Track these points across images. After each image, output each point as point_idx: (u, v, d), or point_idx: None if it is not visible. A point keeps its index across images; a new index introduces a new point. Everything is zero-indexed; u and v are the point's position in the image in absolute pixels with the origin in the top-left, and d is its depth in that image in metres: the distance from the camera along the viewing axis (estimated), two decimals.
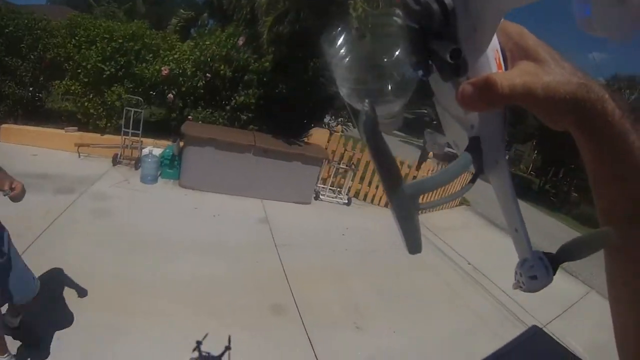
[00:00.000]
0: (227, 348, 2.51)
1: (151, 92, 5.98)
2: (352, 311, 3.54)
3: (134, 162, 5.32)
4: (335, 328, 3.25)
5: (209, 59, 5.34)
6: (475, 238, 6.57)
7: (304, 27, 5.31)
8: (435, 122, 0.43)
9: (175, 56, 5.67)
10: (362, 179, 6.46)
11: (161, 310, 2.74)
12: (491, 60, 0.30)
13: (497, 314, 4.34)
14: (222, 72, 5.23)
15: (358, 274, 4.20)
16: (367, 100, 0.28)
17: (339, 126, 6.03)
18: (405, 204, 0.30)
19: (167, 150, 5.13)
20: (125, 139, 5.38)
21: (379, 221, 5.54)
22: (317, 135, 5.99)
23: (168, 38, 6.28)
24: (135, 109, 5.33)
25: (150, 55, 5.93)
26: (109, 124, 5.80)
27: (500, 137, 0.35)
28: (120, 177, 4.97)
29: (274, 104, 5.20)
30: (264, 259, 3.85)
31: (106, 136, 5.64)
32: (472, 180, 0.36)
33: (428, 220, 6.37)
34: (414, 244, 0.33)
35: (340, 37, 0.29)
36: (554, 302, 4.91)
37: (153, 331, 2.51)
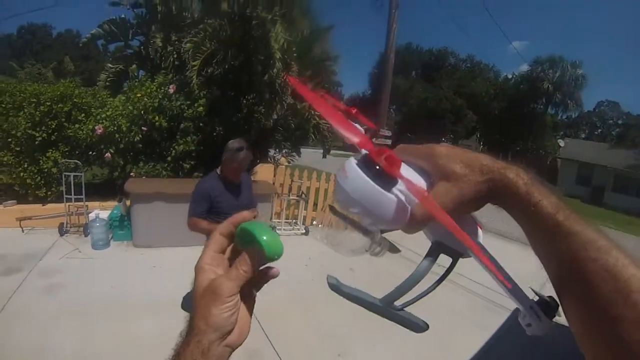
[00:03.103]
0: None
1: (90, 153, 5.83)
2: (331, 340, 3.52)
3: (82, 228, 5.15)
4: (316, 359, 3.21)
5: (142, 112, 5.29)
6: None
7: (232, 66, 5.39)
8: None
9: (108, 113, 5.57)
10: (315, 205, 6.48)
11: None
12: (410, 198, 0.40)
13: (476, 305, 4.39)
14: (157, 123, 5.19)
15: (328, 302, 4.05)
16: (332, 280, 0.49)
17: (283, 158, 6.08)
18: (386, 312, 0.45)
19: (115, 212, 5.01)
20: (69, 205, 5.20)
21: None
22: (263, 171, 5.99)
23: (98, 95, 6.15)
24: (75, 173, 5.18)
25: (82, 115, 5.80)
26: (49, 193, 5.61)
27: (454, 238, 0.40)
28: (69, 247, 4.78)
29: (214, 147, 5.21)
30: None
31: (48, 205, 5.44)
32: (448, 270, 0.47)
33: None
34: (414, 327, 0.46)
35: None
36: (531, 278, 5.09)
37: None
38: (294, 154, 6.03)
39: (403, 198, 0.40)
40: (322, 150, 6.49)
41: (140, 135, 5.27)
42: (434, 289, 0.47)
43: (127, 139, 5.32)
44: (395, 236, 0.51)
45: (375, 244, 0.48)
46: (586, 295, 0.34)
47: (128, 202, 4.92)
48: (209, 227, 2.64)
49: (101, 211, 5.04)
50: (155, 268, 4.42)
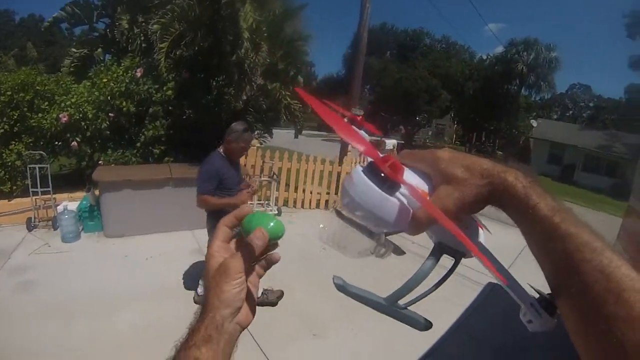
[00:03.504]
0: None
1: (55, 143, 5.58)
2: (306, 320, 3.54)
3: (50, 222, 4.96)
4: (293, 341, 3.23)
5: (108, 97, 5.07)
6: None
7: (201, 47, 5.22)
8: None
9: (73, 100, 5.32)
10: (287, 186, 6.47)
11: None
12: (412, 202, 0.42)
13: (451, 283, 4.43)
14: (124, 108, 4.99)
15: (303, 282, 4.20)
16: (339, 280, 0.49)
17: (255, 139, 6.02)
18: (390, 311, 0.47)
19: (84, 202, 4.84)
20: (35, 199, 4.98)
21: (312, 225, 5.56)
22: None
23: (62, 81, 5.86)
24: (40, 165, 4.96)
25: (46, 103, 5.52)
26: (14, 187, 5.34)
27: (456, 239, 0.42)
28: (39, 242, 4.59)
29: (184, 131, 5.07)
30: None
31: (15, 200, 5.18)
32: (451, 270, 0.49)
33: None
34: (417, 325, 0.49)
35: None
36: (502, 255, 5.19)
37: None
38: (266, 135, 5.94)
39: (405, 201, 0.42)
40: (294, 131, 6.46)
41: (107, 122, 5.07)
42: (437, 288, 0.50)
43: (93, 126, 5.11)
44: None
45: (380, 246, 0.51)
46: (580, 294, 0.35)
47: (97, 192, 4.76)
48: (218, 202, 2.95)
49: (70, 203, 4.87)
50: (127, 258, 4.33)
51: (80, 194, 5.02)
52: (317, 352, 3.16)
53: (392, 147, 8.07)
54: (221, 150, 3.02)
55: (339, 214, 0.52)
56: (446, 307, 3.84)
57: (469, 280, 4.51)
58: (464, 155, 0.44)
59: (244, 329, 0.51)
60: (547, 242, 0.38)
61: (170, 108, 5.08)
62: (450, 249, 0.46)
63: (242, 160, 5.96)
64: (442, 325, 3.51)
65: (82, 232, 4.75)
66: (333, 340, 3.31)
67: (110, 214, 4.63)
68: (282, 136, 5.48)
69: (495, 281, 0.42)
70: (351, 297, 0.50)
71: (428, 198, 0.43)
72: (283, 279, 4.15)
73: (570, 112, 51.92)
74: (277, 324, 3.40)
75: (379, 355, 3.21)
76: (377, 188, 0.41)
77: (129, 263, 4.24)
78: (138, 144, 5.09)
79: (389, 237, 0.52)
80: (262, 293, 3.92)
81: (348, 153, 6.74)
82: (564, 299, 0.39)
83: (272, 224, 0.49)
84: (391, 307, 0.47)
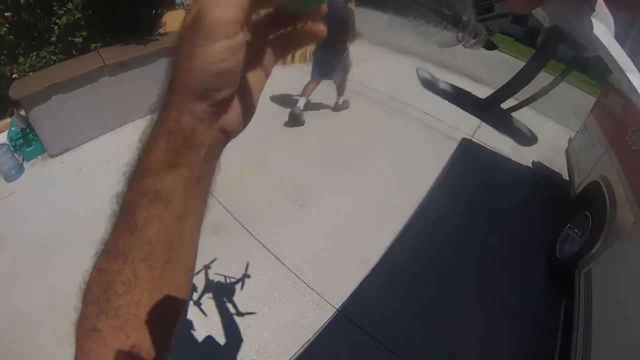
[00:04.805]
0: None
1: None
2: (288, 191, 3.35)
3: None
4: (278, 214, 3.09)
5: None
6: (381, 68, 6.13)
7: None
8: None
9: None
10: None
11: None
12: None
13: (429, 136, 4.37)
14: (21, 0, 3.83)
15: (281, 152, 3.85)
16: (425, 73, 0.39)
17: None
18: (491, 116, 0.36)
19: (13, 129, 3.93)
20: None
21: (276, 87, 4.77)
22: (172, 20, 4.94)
23: None
24: None
25: None
26: None
27: (577, 22, 0.31)
28: None
29: (106, 8, 3.97)
30: None
31: None
32: (570, 66, 0.37)
33: None
34: (521, 137, 0.37)
35: None
36: (470, 116, 5.06)
37: None
38: None
39: None
40: None
41: (5, 26, 3.91)
42: (549, 91, 0.37)
43: None
44: None
45: (468, 34, 0.38)
46: None
47: (22, 112, 3.83)
48: None
49: None
50: (81, 172, 3.65)
51: (6, 122, 4.08)
52: (305, 222, 3.03)
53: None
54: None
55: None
56: (422, 163, 3.84)
57: (444, 135, 4.42)
58: None
59: (232, 138, 0.30)
60: None
61: None
62: (568, 37, 0.32)
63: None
64: (422, 181, 3.51)
65: (24, 163, 3.92)
66: (320, 207, 3.19)
67: (47, 131, 3.76)
68: None
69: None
70: (440, 95, 0.38)
71: None
72: (261, 152, 3.73)
73: None
74: (262, 202, 3.21)
75: (367, 216, 3.14)
76: None
77: (86, 176, 3.60)
78: (53, 39, 3.99)
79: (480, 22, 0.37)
80: (337, 102, 4.26)
81: None
82: None
83: None
84: (493, 110, 0.35)
